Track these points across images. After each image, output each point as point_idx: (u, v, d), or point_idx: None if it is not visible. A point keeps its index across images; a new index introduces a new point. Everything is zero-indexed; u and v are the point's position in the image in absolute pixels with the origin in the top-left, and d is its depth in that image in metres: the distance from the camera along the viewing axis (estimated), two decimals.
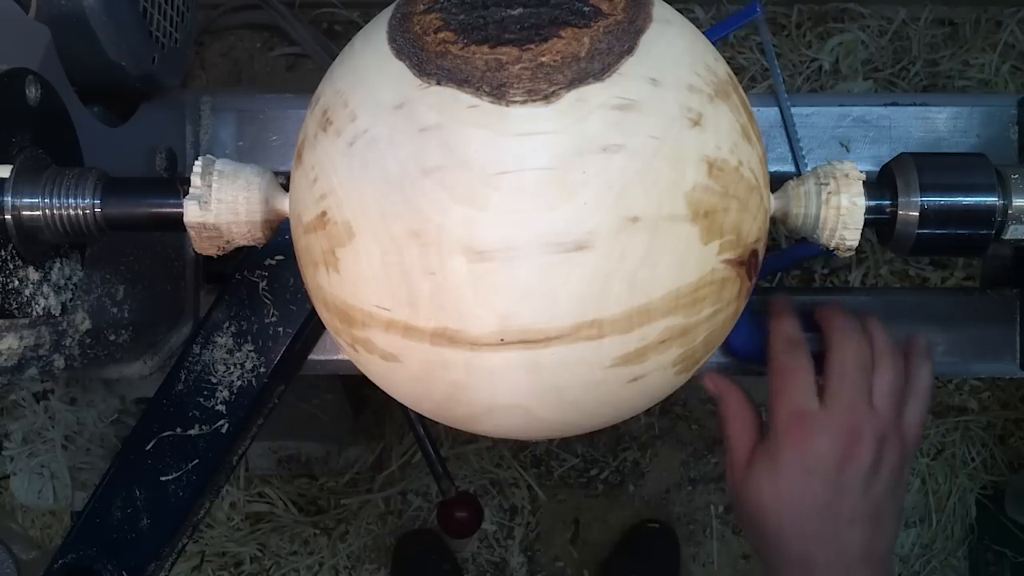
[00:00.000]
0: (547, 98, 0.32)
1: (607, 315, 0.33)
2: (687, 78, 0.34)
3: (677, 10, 0.38)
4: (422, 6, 0.36)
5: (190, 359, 0.60)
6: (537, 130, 0.32)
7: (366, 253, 0.34)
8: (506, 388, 0.34)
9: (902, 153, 0.43)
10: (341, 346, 0.39)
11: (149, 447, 0.59)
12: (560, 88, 0.32)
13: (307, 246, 0.36)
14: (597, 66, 0.33)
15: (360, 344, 0.36)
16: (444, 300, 0.33)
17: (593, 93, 0.32)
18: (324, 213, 0.35)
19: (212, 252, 0.41)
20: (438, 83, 0.33)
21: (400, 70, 0.34)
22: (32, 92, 0.42)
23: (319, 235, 0.35)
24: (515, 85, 0.32)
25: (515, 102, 0.32)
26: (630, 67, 0.33)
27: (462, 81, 0.33)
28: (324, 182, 0.35)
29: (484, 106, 0.32)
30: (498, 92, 0.32)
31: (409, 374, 0.36)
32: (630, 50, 0.33)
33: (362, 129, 0.34)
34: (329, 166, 0.35)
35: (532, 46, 0.33)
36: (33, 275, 0.42)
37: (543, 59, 0.33)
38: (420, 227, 0.32)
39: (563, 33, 0.33)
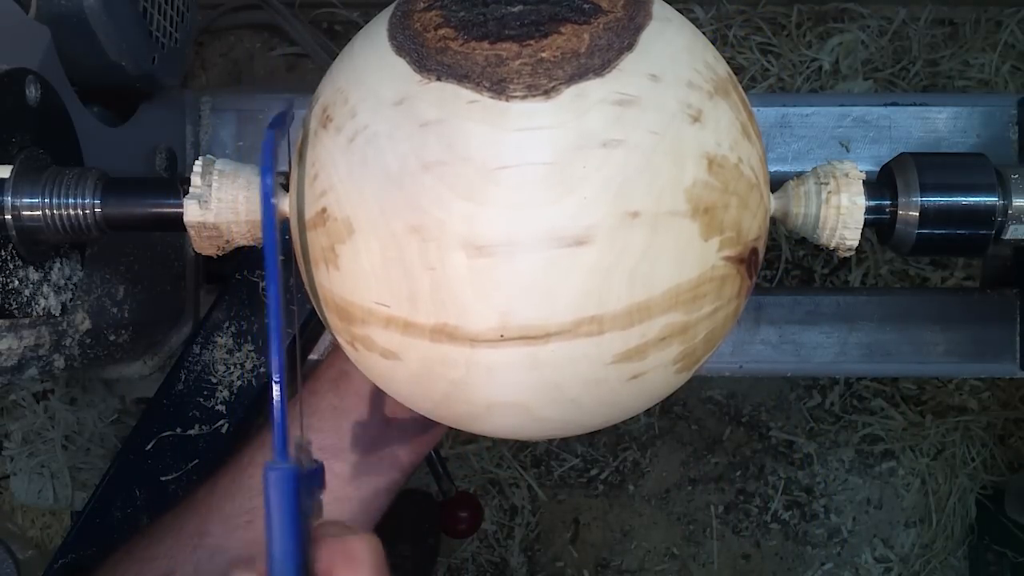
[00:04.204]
0: (547, 93, 0.32)
1: (607, 311, 0.33)
2: (687, 75, 0.34)
3: (677, 10, 0.38)
4: (422, 4, 0.36)
5: (190, 359, 0.60)
6: (537, 125, 0.32)
7: (366, 249, 0.34)
8: (506, 385, 0.34)
9: (902, 153, 0.43)
10: (341, 345, 0.39)
11: (149, 447, 0.59)
12: (560, 83, 0.32)
13: (307, 243, 0.36)
14: (597, 62, 0.33)
15: (360, 342, 0.36)
16: (444, 296, 0.33)
17: (593, 88, 0.32)
18: (324, 210, 0.35)
19: (212, 252, 0.41)
20: (438, 79, 0.33)
21: (400, 66, 0.34)
22: (32, 92, 0.42)
23: (319, 232, 0.35)
24: (515, 80, 0.32)
25: (515, 97, 0.32)
26: (630, 63, 0.33)
27: (462, 77, 0.33)
28: (324, 179, 0.35)
29: (484, 101, 0.32)
30: (498, 87, 0.32)
31: (408, 372, 0.36)
32: (630, 46, 0.33)
33: (362, 125, 0.34)
34: (329, 163, 0.35)
35: (532, 42, 0.33)
36: (33, 275, 0.42)
37: (543, 55, 0.33)
38: (420, 222, 0.32)
39: (563, 29, 0.33)
